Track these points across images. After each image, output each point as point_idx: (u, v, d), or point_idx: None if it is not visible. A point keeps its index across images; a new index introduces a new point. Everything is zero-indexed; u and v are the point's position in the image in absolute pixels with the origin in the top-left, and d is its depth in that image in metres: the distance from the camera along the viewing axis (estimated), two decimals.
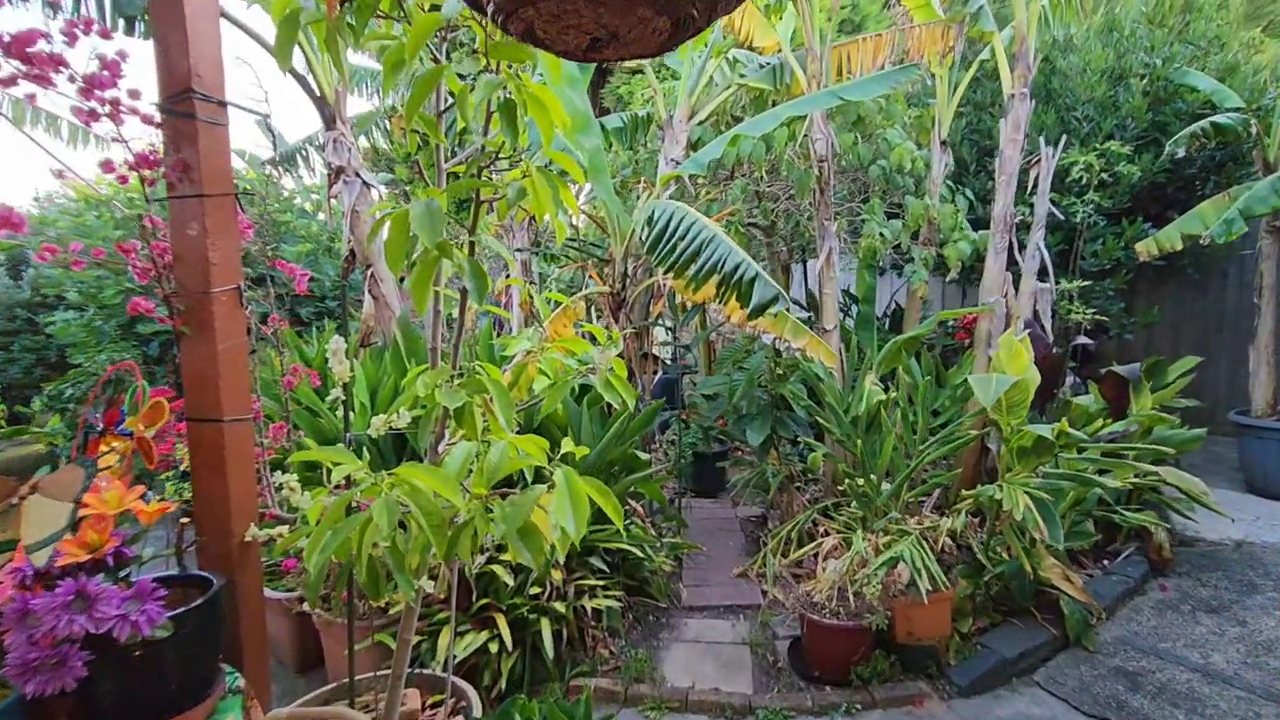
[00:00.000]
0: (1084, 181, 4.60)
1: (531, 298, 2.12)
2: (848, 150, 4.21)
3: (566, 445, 1.67)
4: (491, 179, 1.70)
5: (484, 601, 2.86)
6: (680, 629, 3.56)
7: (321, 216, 6.52)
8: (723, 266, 2.76)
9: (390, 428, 1.81)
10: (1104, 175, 4.59)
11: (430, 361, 1.80)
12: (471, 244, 1.68)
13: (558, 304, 3.51)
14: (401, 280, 3.69)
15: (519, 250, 4.32)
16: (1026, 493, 2.81)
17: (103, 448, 1.80)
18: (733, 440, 6.13)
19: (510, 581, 2.87)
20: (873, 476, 3.33)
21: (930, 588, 2.89)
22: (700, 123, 4.49)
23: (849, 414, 3.72)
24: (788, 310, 3.30)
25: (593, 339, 2.20)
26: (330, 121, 3.65)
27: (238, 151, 6.21)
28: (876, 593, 2.85)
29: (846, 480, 3.54)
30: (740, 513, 5.21)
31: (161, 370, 5.46)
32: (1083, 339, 3.64)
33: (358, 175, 3.67)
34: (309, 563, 1.43)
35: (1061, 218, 4.29)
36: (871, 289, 4.09)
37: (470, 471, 1.55)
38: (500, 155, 1.69)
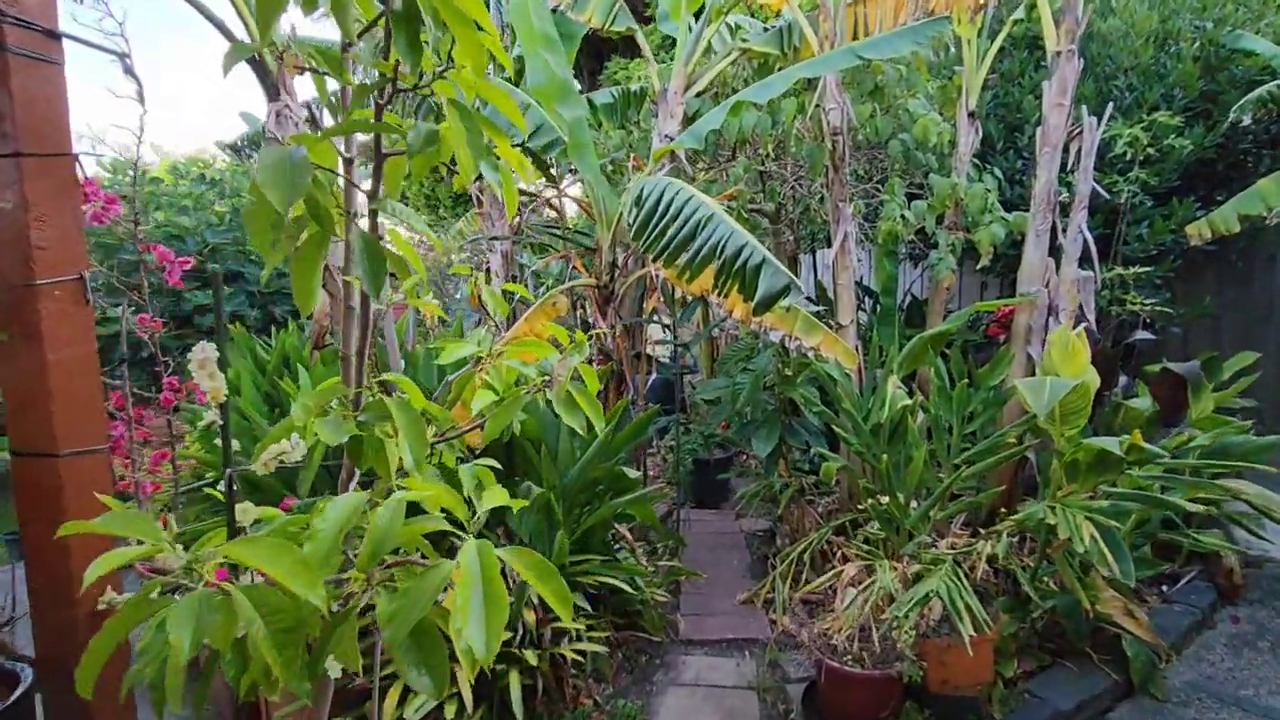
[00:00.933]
0: (1128, 157, 4.11)
1: (480, 291, 1.66)
2: (865, 123, 3.73)
3: (495, 498, 1.20)
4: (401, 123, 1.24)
5: None
6: (678, 668, 3.11)
7: None
8: (722, 251, 2.30)
9: (283, 462, 1.36)
10: (1150, 150, 4.10)
11: (343, 375, 1.34)
12: (373, 214, 1.23)
13: (529, 300, 3.06)
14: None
15: (496, 238, 3.86)
16: (1089, 518, 2.34)
17: None
18: (736, 446, 5.68)
19: None
20: (900, 495, 2.87)
21: (973, 632, 2.43)
22: (698, 95, 4.01)
23: (868, 421, 3.26)
24: (799, 303, 2.84)
25: (556, 343, 1.76)
26: (273, 92, 3.19)
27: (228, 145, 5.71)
28: (910, 640, 2.40)
29: (869, 499, 3.08)
30: (745, 526, 4.74)
31: None
32: (1142, 333, 3.17)
33: None
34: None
35: (1107, 197, 3.80)
36: (892, 278, 3.63)
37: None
38: (415, 88, 1.23)
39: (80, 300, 1.42)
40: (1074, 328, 2.97)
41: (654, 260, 2.53)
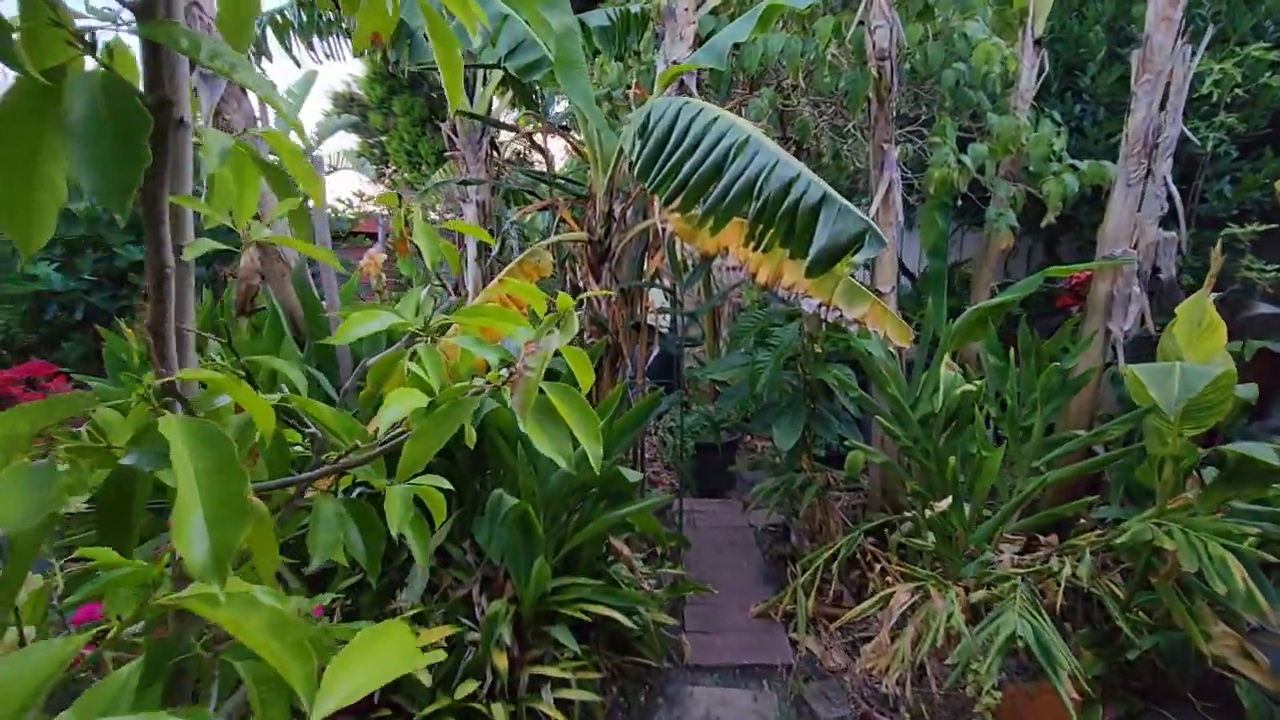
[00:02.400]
0: (1214, 99, 3.50)
1: (406, 229, 1.06)
2: (914, 48, 3.09)
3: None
4: None
5: (384, 714, 1.86)
6: (684, 704, 2.58)
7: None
8: (762, 187, 1.68)
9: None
10: (1239, 91, 3.49)
11: (153, 356, 0.73)
12: (149, 48, 0.62)
13: (481, 242, 2.44)
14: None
15: (468, 182, 3.22)
16: (1228, 546, 1.81)
17: None
18: (744, 430, 5.12)
19: (427, 680, 1.87)
20: (966, 506, 2.32)
21: (1058, 681, 1.91)
22: (713, 11, 3.35)
23: (917, 410, 2.69)
24: (883, 257, 2.24)
25: (532, 314, 1.20)
26: None
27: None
28: (992, 704, 1.86)
29: (919, 505, 2.54)
30: (754, 519, 4.22)
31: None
32: (1267, 306, 2.61)
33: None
34: None
35: (1196, 144, 3.21)
36: (943, 237, 3.03)
37: None
38: None
39: None
40: (1212, 299, 2.39)
41: (666, 203, 1.92)
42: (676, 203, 1.92)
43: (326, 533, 1.00)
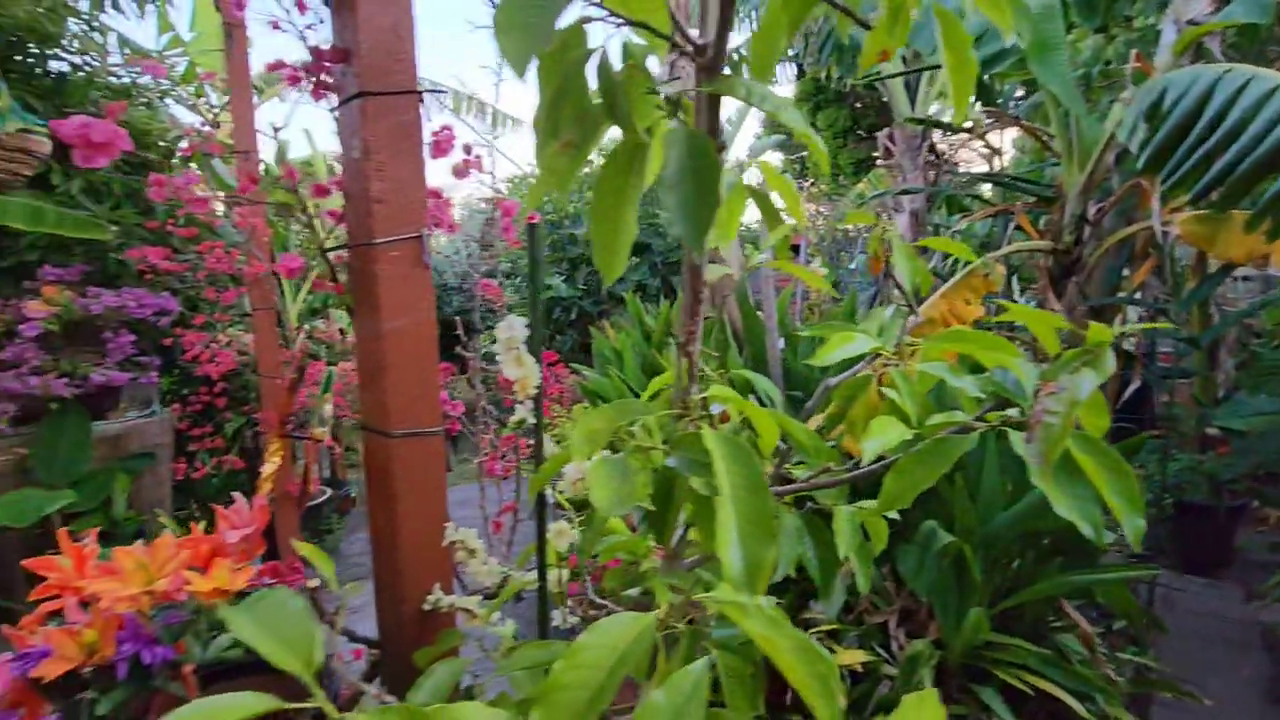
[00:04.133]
0: None
1: (887, 252, 1.03)
2: None
3: None
4: None
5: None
6: None
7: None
8: None
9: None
10: None
11: (677, 370, 0.87)
12: (710, 104, 0.70)
13: (963, 264, 2.24)
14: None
15: (907, 192, 3.07)
16: None
17: (270, 450, 1.41)
18: (1258, 495, 3.80)
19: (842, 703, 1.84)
20: None
21: None
22: None
23: None
24: None
25: (1006, 331, 1.06)
26: None
27: None
28: None
29: None
30: (1264, 615, 3.10)
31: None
32: None
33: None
34: None
35: None
36: None
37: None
38: None
39: (418, 261, 1.25)
40: None
41: (1192, 200, 1.50)
42: (1215, 196, 1.48)
43: (789, 545, 1.04)
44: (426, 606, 1.29)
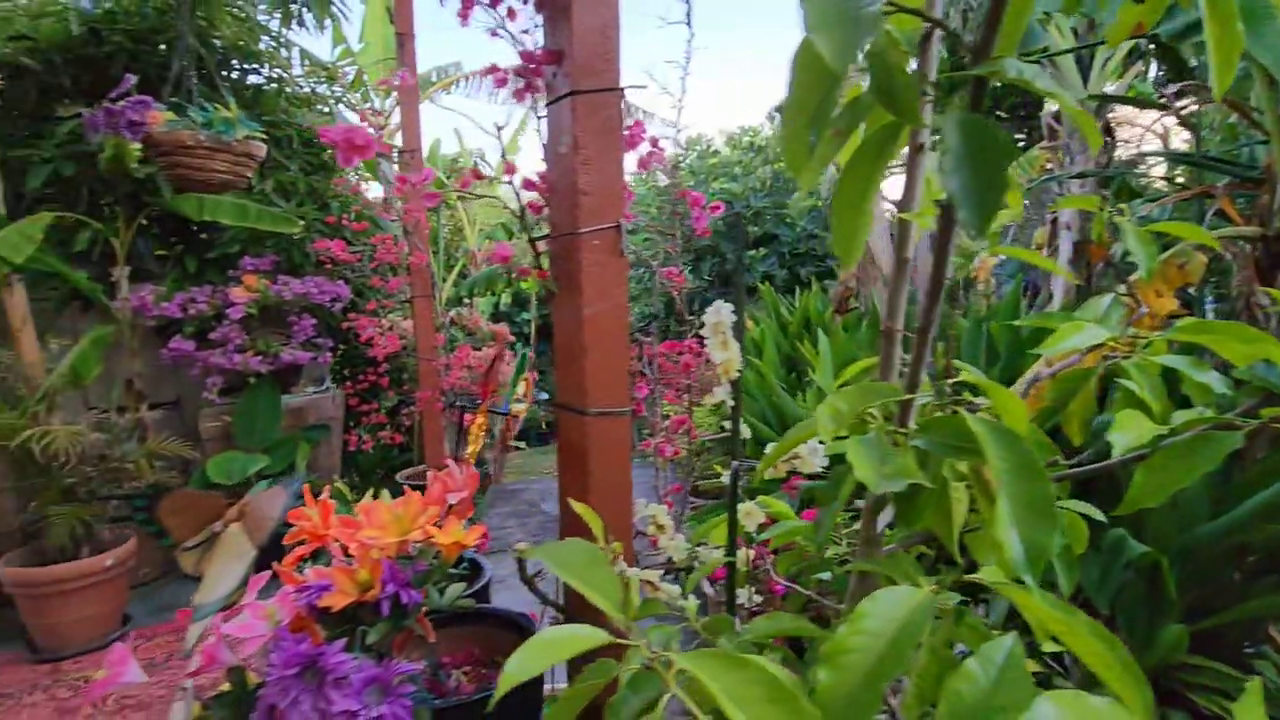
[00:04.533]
0: None
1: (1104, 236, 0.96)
2: None
3: None
4: None
5: None
6: None
7: None
8: None
9: (794, 473, 1.01)
10: None
11: (883, 356, 0.88)
12: (976, 85, 0.70)
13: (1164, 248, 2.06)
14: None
15: (1081, 175, 2.82)
16: None
17: (474, 426, 1.53)
18: None
19: None
20: None
21: None
22: None
23: None
24: None
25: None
26: None
27: None
28: None
29: None
30: None
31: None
32: None
33: None
34: None
35: None
36: None
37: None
38: None
39: (615, 250, 1.32)
40: None
41: None
42: None
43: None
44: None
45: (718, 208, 1.41)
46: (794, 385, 3.18)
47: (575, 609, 1.40)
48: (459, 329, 4.62)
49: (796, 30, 0.64)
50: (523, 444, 6.20)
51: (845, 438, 0.73)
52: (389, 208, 3.78)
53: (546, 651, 0.58)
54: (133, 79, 2.65)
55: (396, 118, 5.52)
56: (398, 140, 3.62)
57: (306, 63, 4.44)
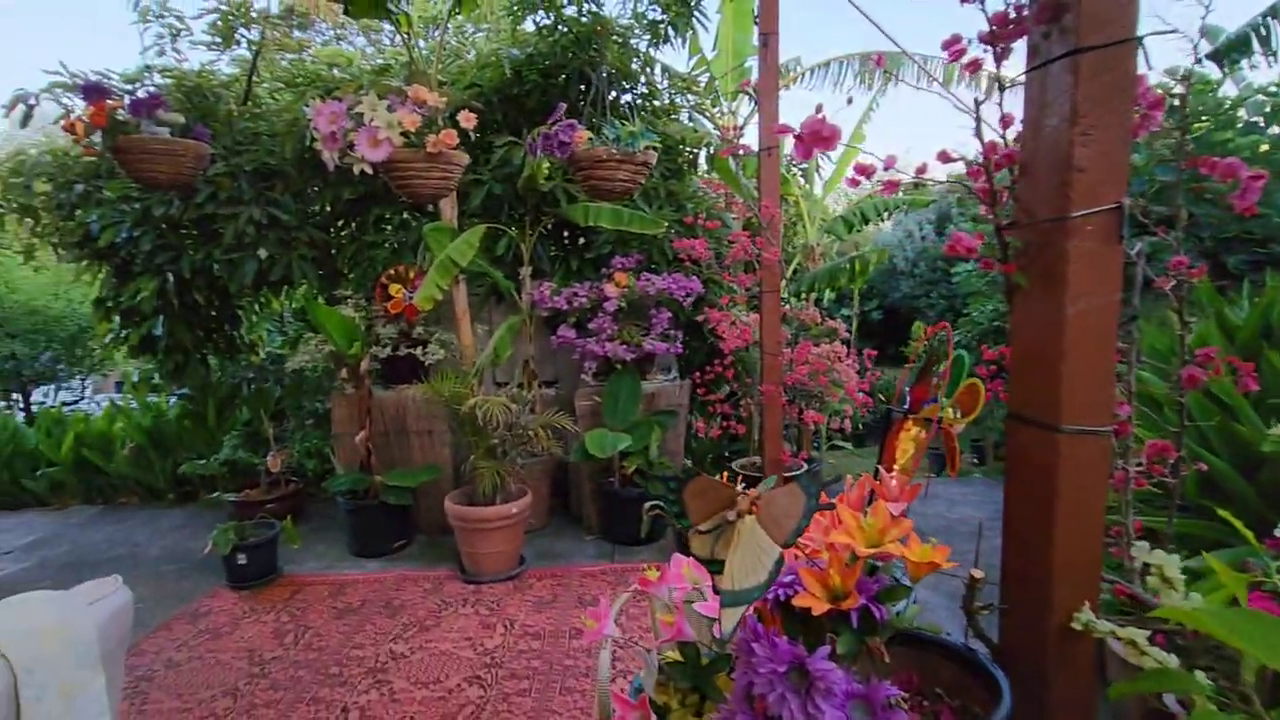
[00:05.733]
0: None
1: None
2: None
3: None
4: None
5: None
6: None
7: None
8: None
9: None
10: None
11: None
12: None
13: None
14: None
15: None
16: None
17: (903, 433, 1.41)
18: None
19: None
20: None
21: None
22: None
23: None
24: None
25: None
26: None
27: None
28: None
29: None
30: None
31: None
32: None
33: None
34: None
35: None
36: None
37: None
38: None
39: (1112, 237, 1.10)
40: None
41: None
42: None
43: None
44: (1076, 625, 1.15)
45: (1260, 177, 1.08)
46: (1244, 407, 2.48)
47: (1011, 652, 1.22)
48: (797, 323, 4.59)
49: None
50: (848, 443, 5.97)
51: None
52: (750, 206, 3.88)
53: None
54: (563, 106, 3.10)
55: (741, 119, 5.71)
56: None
57: (667, 76, 4.80)
